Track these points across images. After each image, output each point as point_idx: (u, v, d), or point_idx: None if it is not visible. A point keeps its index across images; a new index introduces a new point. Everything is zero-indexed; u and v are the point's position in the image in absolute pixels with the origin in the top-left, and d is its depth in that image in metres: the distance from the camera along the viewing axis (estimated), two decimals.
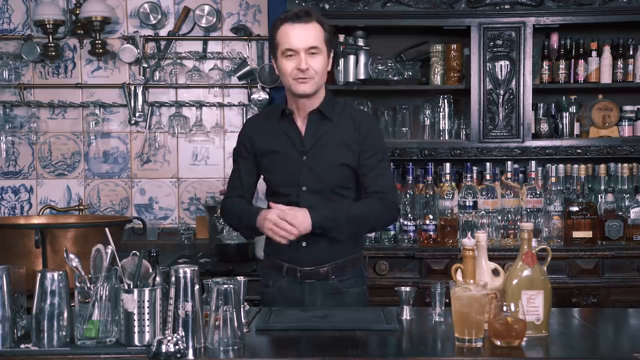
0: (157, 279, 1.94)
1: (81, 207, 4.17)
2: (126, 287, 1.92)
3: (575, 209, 3.72)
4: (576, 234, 3.70)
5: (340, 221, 2.48)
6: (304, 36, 2.44)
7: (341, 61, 3.97)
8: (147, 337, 1.89)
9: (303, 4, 3.80)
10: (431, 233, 3.69)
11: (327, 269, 2.53)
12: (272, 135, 2.59)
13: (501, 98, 3.86)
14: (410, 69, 4.04)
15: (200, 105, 4.26)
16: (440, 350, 2.01)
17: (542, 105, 4.05)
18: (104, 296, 1.92)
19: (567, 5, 3.82)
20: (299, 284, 2.54)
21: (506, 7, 3.82)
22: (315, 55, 2.46)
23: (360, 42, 4.03)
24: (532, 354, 1.92)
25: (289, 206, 2.45)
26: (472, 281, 2.01)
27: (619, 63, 3.96)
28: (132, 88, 4.24)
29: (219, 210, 3.29)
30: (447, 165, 3.77)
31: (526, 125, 3.86)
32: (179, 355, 1.81)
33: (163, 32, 4.28)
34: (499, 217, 3.72)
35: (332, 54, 2.55)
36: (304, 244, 2.50)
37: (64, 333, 1.92)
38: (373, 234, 3.71)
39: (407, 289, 2.28)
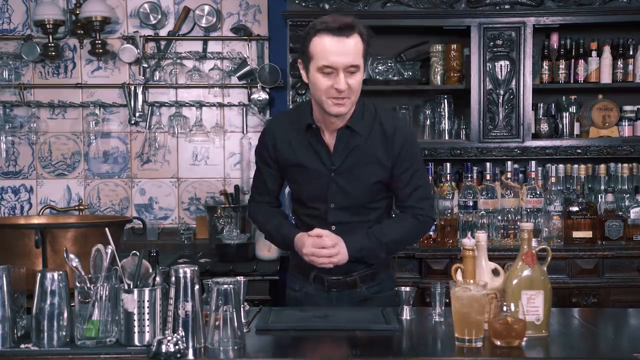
0: (157, 279, 1.94)
1: (81, 207, 4.17)
2: (126, 287, 1.92)
3: (575, 209, 3.72)
4: (576, 234, 3.70)
5: (377, 249, 2.39)
6: (345, 53, 2.21)
7: None
8: (147, 337, 1.89)
9: (303, 3, 3.81)
10: (431, 233, 3.69)
11: (355, 277, 2.46)
12: (297, 146, 2.42)
13: (501, 98, 3.86)
14: (410, 69, 4.04)
15: (200, 105, 4.26)
16: (440, 350, 2.01)
17: (542, 105, 4.05)
18: (104, 296, 1.92)
19: (567, 5, 3.82)
20: (326, 292, 2.48)
21: (506, 7, 3.82)
22: (355, 74, 2.25)
23: None
24: (532, 354, 1.92)
25: (321, 231, 2.35)
26: (472, 281, 2.01)
27: (619, 63, 3.97)
28: (132, 88, 4.24)
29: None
30: (447, 165, 3.78)
31: (526, 125, 3.86)
32: (179, 355, 1.81)
33: (163, 32, 4.28)
34: (499, 217, 3.72)
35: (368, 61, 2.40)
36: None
37: (64, 333, 1.92)
38: None
39: (407, 289, 2.28)
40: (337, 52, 2.21)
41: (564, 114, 4.00)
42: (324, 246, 2.32)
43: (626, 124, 4.00)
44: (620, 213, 3.80)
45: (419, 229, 2.50)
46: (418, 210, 2.43)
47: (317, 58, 2.24)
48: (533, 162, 3.79)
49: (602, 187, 3.89)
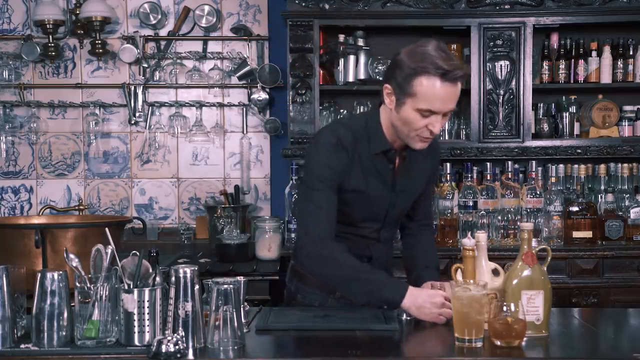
0: (157, 279, 1.94)
1: (81, 207, 4.17)
2: (126, 287, 1.92)
3: (575, 209, 3.72)
4: (576, 234, 3.70)
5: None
6: (452, 100, 2.13)
7: (341, 61, 3.98)
8: (147, 337, 1.89)
9: (303, 3, 3.80)
10: None
11: None
12: (363, 172, 2.27)
13: (501, 98, 3.86)
14: None
15: (200, 105, 4.26)
16: (440, 350, 2.00)
17: (542, 105, 4.05)
18: (104, 296, 1.92)
19: (567, 5, 3.82)
20: (352, 305, 2.33)
21: (506, 7, 3.82)
22: (448, 114, 2.18)
23: (360, 42, 4.03)
24: (532, 354, 1.92)
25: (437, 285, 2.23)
26: (472, 281, 2.01)
27: (619, 63, 3.97)
28: (132, 88, 4.24)
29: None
30: (447, 165, 3.78)
31: (526, 125, 3.86)
32: (179, 355, 1.81)
33: (163, 32, 4.28)
34: (499, 217, 3.72)
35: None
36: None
37: (64, 333, 1.92)
38: None
39: None
40: (445, 100, 2.12)
41: (564, 114, 4.00)
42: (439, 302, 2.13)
43: (626, 124, 4.00)
44: (620, 213, 3.80)
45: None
46: (429, 224, 2.58)
47: (420, 99, 2.11)
48: (533, 162, 3.79)
49: (602, 187, 3.89)
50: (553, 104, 4.09)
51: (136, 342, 1.89)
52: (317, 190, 2.24)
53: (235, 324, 1.88)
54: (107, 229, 2.01)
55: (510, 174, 3.82)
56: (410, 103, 2.13)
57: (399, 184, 2.33)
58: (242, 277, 2.20)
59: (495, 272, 2.11)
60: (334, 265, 2.20)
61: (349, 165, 2.24)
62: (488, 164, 3.75)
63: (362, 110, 4.01)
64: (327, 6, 3.81)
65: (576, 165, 3.95)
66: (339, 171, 2.23)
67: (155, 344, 1.81)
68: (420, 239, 2.55)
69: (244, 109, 4.28)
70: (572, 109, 4.05)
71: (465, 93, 3.88)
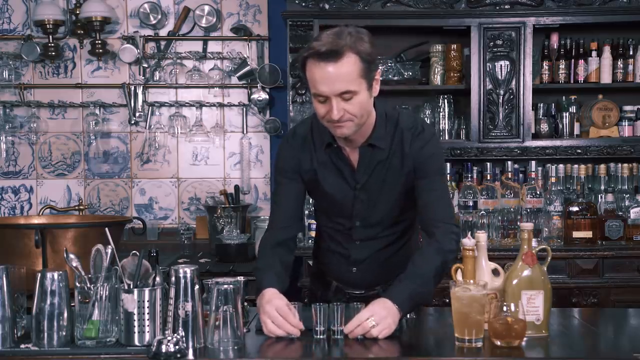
0: (157, 279, 1.94)
1: (81, 207, 4.17)
2: (126, 287, 1.92)
3: (575, 209, 3.72)
4: (576, 234, 3.70)
5: (426, 288, 2.13)
6: (333, 81, 2.02)
7: None
8: (147, 337, 1.89)
9: (303, 4, 3.80)
10: None
11: (378, 292, 2.33)
12: (320, 164, 2.28)
13: (501, 98, 3.86)
14: (410, 69, 4.04)
15: (200, 105, 4.26)
16: (440, 350, 2.00)
17: (542, 105, 4.05)
18: (104, 296, 1.92)
19: (567, 5, 3.82)
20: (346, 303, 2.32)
21: (506, 7, 3.82)
22: (351, 99, 2.05)
23: None
24: (532, 354, 1.92)
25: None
26: (472, 281, 2.01)
27: (619, 63, 3.96)
28: (132, 88, 4.24)
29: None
30: (447, 165, 3.77)
31: (526, 125, 3.86)
32: (179, 355, 1.81)
33: (163, 32, 4.28)
34: (499, 217, 3.72)
35: (377, 75, 2.15)
36: (354, 270, 2.36)
37: (64, 333, 1.92)
38: None
39: None
40: (323, 81, 2.03)
41: (564, 114, 4.00)
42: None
43: (626, 124, 4.00)
44: (620, 213, 3.80)
45: (454, 249, 2.19)
46: (444, 225, 2.19)
47: (311, 85, 2.08)
48: (533, 162, 3.79)
49: (602, 187, 3.89)
50: (553, 104, 4.09)
51: (136, 342, 1.89)
52: (278, 185, 2.34)
53: (235, 324, 1.88)
54: (107, 229, 2.01)
55: (510, 174, 3.82)
56: (312, 92, 2.09)
57: (359, 179, 2.26)
58: (242, 277, 2.20)
59: (495, 272, 2.11)
60: (259, 252, 2.37)
61: (304, 155, 2.28)
62: (488, 164, 3.75)
63: None
64: (327, 6, 3.81)
65: (576, 165, 3.95)
66: (295, 162, 2.28)
67: (155, 344, 1.81)
68: (422, 246, 2.32)
69: (244, 109, 4.28)
70: (572, 109, 4.05)
71: (465, 93, 3.90)
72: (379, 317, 1.98)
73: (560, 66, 3.97)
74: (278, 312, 2.02)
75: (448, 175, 3.76)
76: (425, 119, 4.03)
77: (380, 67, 2.13)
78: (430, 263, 2.14)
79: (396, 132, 2.25)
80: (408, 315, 2.21)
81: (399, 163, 2.25)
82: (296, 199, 2.34)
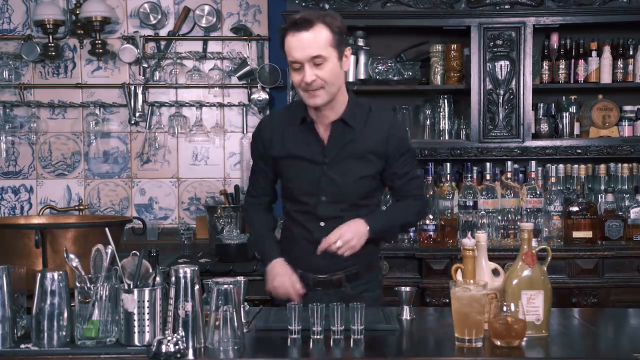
0: (157, 279, 1.94)
1: (81, 207, 4.17)
2: (126, 287, 1.92)
3: (575, 209, 3.72)
4: (576, 234, 3.70)
5: (394, 227, 2.57)
6: (305, 46, 2.29)
7: None
8: (147, 337, 1.89)
9: (303, 4, 3.81)
10: (431, 233, 3.69)
11: (341, 277, 2.48)
12: (291, 140, 2.48)
13: (501, 98, 3.86)
14: (410, 69, 4.04)
15: (200, 105, 4.26)
16: (440, 350, 2.00)
17: (542, 105, 4.05)
18: (104, 296, 1.92)
19: (567, 5, 3.82)
20: (313, 290, 2.48)
21: (506, 7, 3.82)
22: (322, 65, 2.30)
23: (360, 42, 4.03)
24: (532, 354, 1.92)
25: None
26: (472, 281, 2.01)
27: (619, 63, 3.96)
28: (132, 88, 4.24)
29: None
30: (447, 165, 3.78)
31: (526, 125, 3.86)
32: (179, 355, 1.81)
33: (163, 32, 4.28)
34: (499, 217, 3.72)
35: (348, 52, 2.38)
36: (318, 253, 2.42)
37: (64, 333, 1.92)
38: None
39: (407, 289, 2.28)
40: (297, 47, 2.29)
41: (564, 114, 4.00)
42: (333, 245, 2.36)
43: (626, 124, 3.99)
44: (620, 213, 3.80)
45: (421, 213, 2.65)
46: (417, 197, 2.55)
47: (287, 55, 2.34)
48: (533, 162, 3.79)
49: (602, 187, 3.89)
50: (553, 104, 4.09)
51: (136, 342, 1.89)
52: (254, 163, 2.62)
53: (235, 324, 1.88)
54: (107, 229, 2.01)
55: (510, 174, 3.82)
56: (289, 62, 2.35)
57: (328, 154, 2.43)
58: (242, 277, 2.20)
59: (495, 272, 2.11)
60: (248, 218, 2.76)
61: (276, 132, 2.49)
62: (488, 164, 3.75)
63: None
64: (327, 6, 3.81)
65: (576, 165, 3.95)
66: (266, 142, 2.51)
67: (155, 344, 1.81)
68: (406, 200, 2.58)
69: (244, 109, 4.28)
70: (572, 109, 4.05)
71: (465, 93, 3.90)
72: (343, 240, 2.34)
73: (560, 66, 3.97)
74: (289, 280, 2.43)
75: (448, 175, 3.76)
76: (425, 119, 4.03)
77: (350, 45, 2.49)
78: (408, 213, 2.56)
79: (369, 116, 2.46)
80: (408, 316, 2.22)
81: (367, 144, 2.43)
82: (264, 175, 2.59)
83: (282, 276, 2.44)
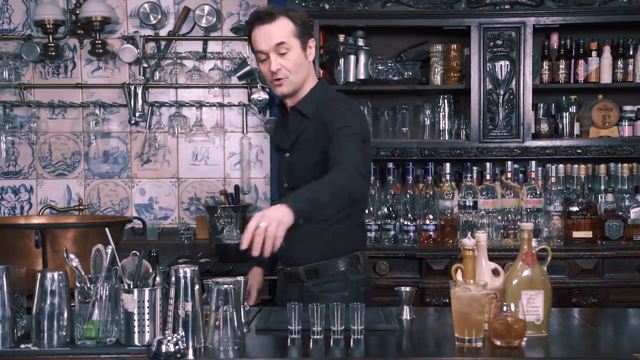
0: (157, 279, 1.94)
1: (81, 207, 4.17)
2: (126, 287, 1.92)
3: (575, 209, 3.72)
4: (576, 234, 3.70)
5: (321, 201, 2.19)
6: (268, 36, 2.40)
7: (341, 61, 3.97)
8: (147, 337, 1.89)
9: (303, 4, 3.81)
10: (431, 233, 3.69)
11: (299, 271, 2.49)
12: (276, 130, 2.72)
13: (501, 98, 3.86)
14: (410, 69, 4.04)
15: (200, 105, 4.26)
16: (440, 350, 2.00)
17: (542, 105, 4.05)
18: (104, 296, 1.92)
19: (567, 5, 3.82)
20: (284, 283, 2.58)
21: (506, 7, 3.82)
22: (286, 54, 2.41)
23: (360, 42, 4.03)
24: (532, 354, 1.92)
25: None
26: (472, 281, 2.01)
27: (619, 63, 3.96)
28: (132, 88, 4.24)
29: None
30: (447, 165, 3.77)
31: (526, 125, 3.86)
32: (179, 355, 1.81)
33: (163, 32, 4.28)
34: (499, 217, 3.72)
35: (311, 43, 2.47)
36: (283, 244, 2.31)
37: (64, 333, 1.92)
38: (373, 233, 3.71)
39: (407, 289, 2.28)
40: (262, 39, 2.41)
41: (564, 114, 4.00)
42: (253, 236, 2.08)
43: (626, 124, 3.99)
44: (620, 213, 3.80)
45: (342, 177, 2.27)
46: (339, 164, 2.29)
47: (254, 48, 2.46)
48: (533, 162, 3.79)
49: (602, 187, 3.89)
50: (553, 104, 4.09)
51: (136, 342, 1.89)
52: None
53: (235, 324, 1.88)
54: (107, 229, 2.01)
55: (510, 174, 3.82)
56: (255, 53, 2.47)
57: (288, 142, 2.55)
58: (242, 277, 2.20)
59: (495, 272, 2.11)
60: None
61: (277, 126, 2.70)
62: (488, 164, 3.75)
63: None
64: (327, 6, 3.81)
65: (576, 165, 3.95)
66: (274, 135, 2.76)
67: (155, 344, 1.81)
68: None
69: (244, 109, 4.28)
70: (572, 109, 4.05)
71: (465, 93, 3.90)
72: (262, 228, 2.03)
73: (560, 66, 3.97)
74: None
75: (448, 175, 3.76)
76: (425, 119, 4.03)
77: (313, 38, 2.52)
78: (334, 181, 2.23)
79: (325, 106, 2.48)
80: (408, 316, 2.22)
81: (321, 134, 2.42)
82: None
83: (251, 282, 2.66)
